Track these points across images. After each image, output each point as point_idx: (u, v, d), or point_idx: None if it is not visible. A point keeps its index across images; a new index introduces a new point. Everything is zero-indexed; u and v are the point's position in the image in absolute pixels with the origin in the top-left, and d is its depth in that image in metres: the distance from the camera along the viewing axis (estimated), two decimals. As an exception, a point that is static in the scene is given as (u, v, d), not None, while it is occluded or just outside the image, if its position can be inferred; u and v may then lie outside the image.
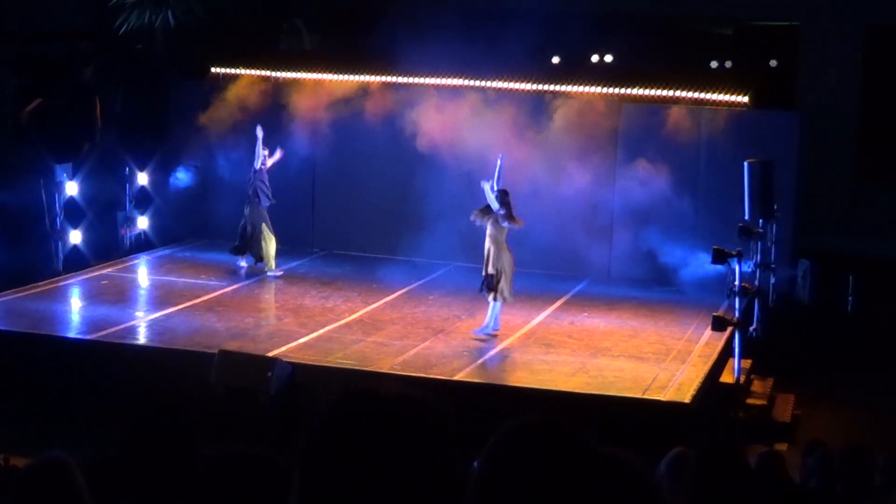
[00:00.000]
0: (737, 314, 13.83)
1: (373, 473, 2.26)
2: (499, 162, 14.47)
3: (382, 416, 2.31)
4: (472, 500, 2.26)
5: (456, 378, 12.75)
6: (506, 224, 13.95)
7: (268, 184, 16.65)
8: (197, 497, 2.84)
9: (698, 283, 16.56)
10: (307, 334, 14.33)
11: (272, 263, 16.80)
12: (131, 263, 18.03)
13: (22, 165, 17.15)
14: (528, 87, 18.06)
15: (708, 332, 14.27)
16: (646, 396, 12.29)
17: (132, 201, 18.84)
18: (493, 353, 13.76)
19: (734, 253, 13.63)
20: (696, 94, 17.63)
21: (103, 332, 14.01)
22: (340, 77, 18.95)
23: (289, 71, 19.21)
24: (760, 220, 14.69)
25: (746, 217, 14.62)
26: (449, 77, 18.10)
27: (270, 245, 16.67)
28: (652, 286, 16.88)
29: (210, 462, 2.91)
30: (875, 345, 15.66)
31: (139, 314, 15.32)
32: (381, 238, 17.96)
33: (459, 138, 17.50)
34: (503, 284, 14.04)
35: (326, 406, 2.37)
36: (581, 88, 17.95)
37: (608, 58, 20.60)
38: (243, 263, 17.01)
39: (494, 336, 14.22)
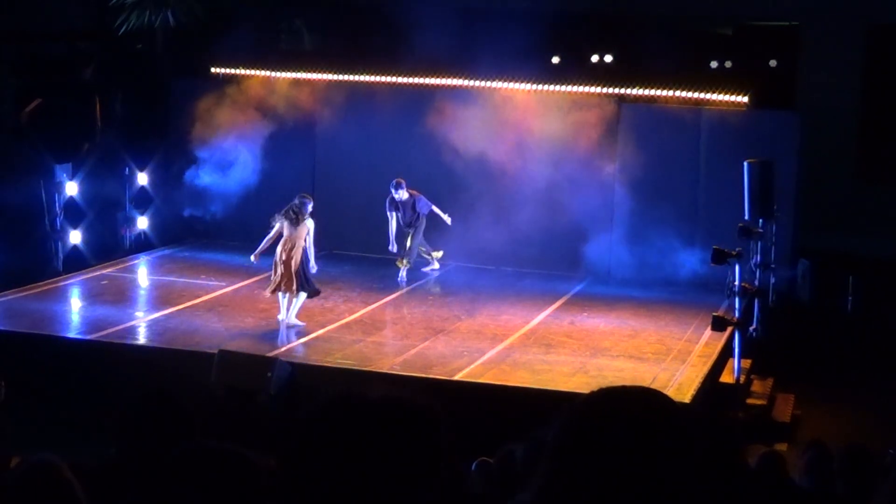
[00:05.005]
0: (737, 314, 13.82)
1: (356, 477, 2.25)
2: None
3: (366, 420, 2.29)
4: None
5: (456, 378, 12.75)
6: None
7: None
8: (165, 491, 2.83)
9: (692, 281, 16.64)
10: (307, 334, 14.33)
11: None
12: (131, 263, 18.03)
13: (22, 165, 17.14)
14: (528, 87, 18.05)
15: (708, 332, 14.27)
16: (646, 396, 12.27)
17: (132, 201, 18.84)
18: (493, 353, 13.76)
19: (734, 253, 13.62)
20: (696, 94, 17.62)
21: (103, 332, 14.00)
22: (340, 77, 18.95)
23: (289, 71, 19.20)
24: (760, 220, 14.68)
25: (746, 217, 14.62)
26: (449, 77, 18.09)
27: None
28: (652, 286, 16.87)
29: (178, 456, 2.90)
30: (875, 345, 15.66)
31: (139, 314, 15.31)
32: (382, 238, 17.93)
33: (459, 138, 17.49)
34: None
35: (309, 411, 2.35)
36: (581, 88, 17.94)
37: (608, 58, 20.59)
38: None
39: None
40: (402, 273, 16.94)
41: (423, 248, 17.33)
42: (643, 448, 2.08)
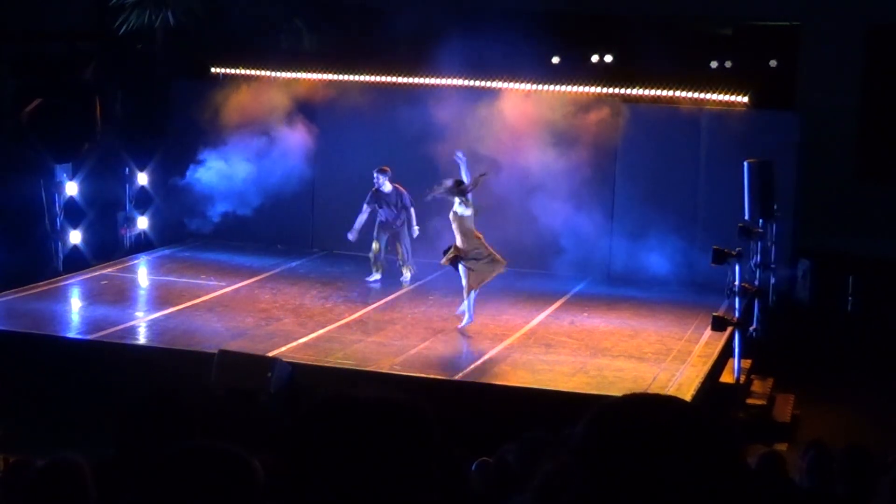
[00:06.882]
0: (737, 314, 13.82)
1: (350, 476, 2.25)
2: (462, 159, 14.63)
3: (356, 420, 2.30)
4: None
5: (456, 378, 12.75)
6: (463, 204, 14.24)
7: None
8: (162, 490, 2.83)
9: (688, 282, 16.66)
10: (307, 334, 14.32)
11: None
12: (131, 263, 18.02)
13: (22, 165, 17.14)
14: (528, 87, 18.05)
15: (708, 332, 14.27)
16: (646, 396, 12.26)
17: (132, 201, 18.84)
18: (493, 353, 13.75)
19: (734, 253, 13.63)
20: (696, 94, 17.63)
21: (103, 332, 13.99)
22: (340, 77, 18.95)
23: (289, 71, 19.20)
24: (760, 220, 14.70)
25: (746, 217, 14.62)
26: (448, 77, 18.09)
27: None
28: (652, 286, 16.88)
29: (176, 456, 2.91)
30: (875, 345, 15.66)
31: (139, 314, 15.30)
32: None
33: (459, 138, 17.48)
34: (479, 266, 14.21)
35: (301, 412, 2.36)
36: (581, 88, 17.95)
37: (608, 58, 20.60)
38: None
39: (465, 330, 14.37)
40: (406, 274, 16.86)
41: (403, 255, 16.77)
42: (666, 456, 2.11)
